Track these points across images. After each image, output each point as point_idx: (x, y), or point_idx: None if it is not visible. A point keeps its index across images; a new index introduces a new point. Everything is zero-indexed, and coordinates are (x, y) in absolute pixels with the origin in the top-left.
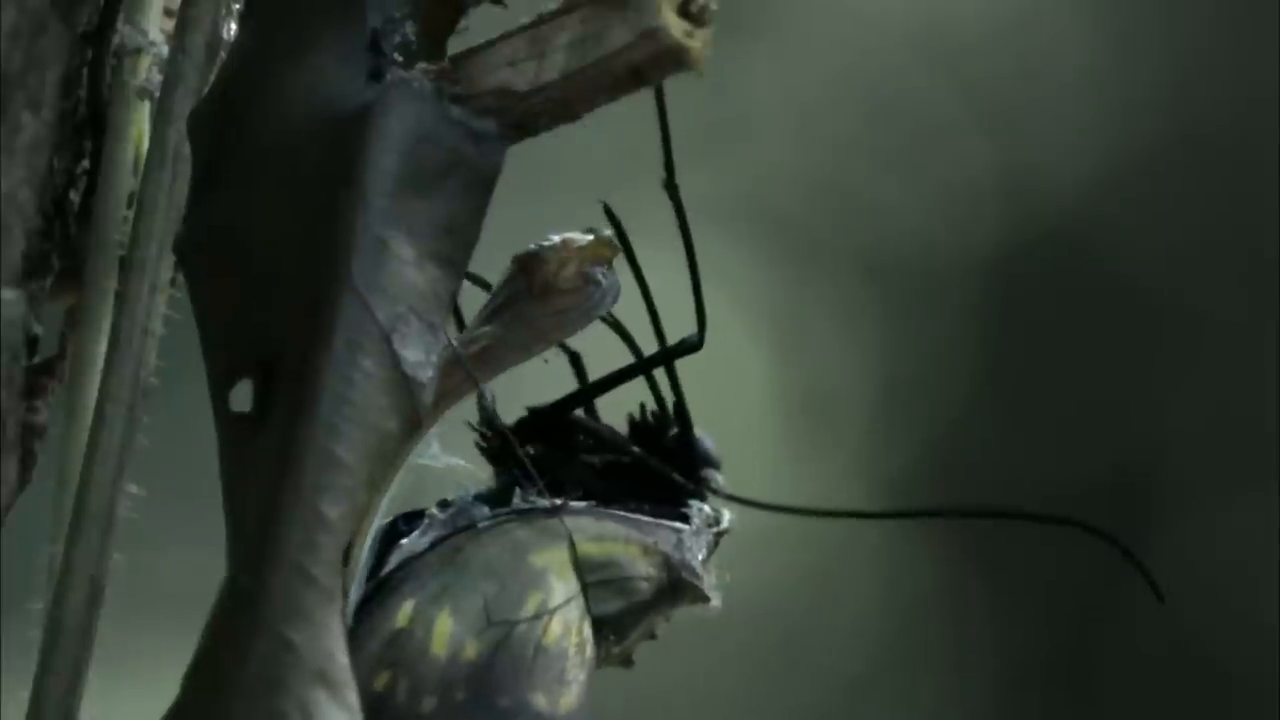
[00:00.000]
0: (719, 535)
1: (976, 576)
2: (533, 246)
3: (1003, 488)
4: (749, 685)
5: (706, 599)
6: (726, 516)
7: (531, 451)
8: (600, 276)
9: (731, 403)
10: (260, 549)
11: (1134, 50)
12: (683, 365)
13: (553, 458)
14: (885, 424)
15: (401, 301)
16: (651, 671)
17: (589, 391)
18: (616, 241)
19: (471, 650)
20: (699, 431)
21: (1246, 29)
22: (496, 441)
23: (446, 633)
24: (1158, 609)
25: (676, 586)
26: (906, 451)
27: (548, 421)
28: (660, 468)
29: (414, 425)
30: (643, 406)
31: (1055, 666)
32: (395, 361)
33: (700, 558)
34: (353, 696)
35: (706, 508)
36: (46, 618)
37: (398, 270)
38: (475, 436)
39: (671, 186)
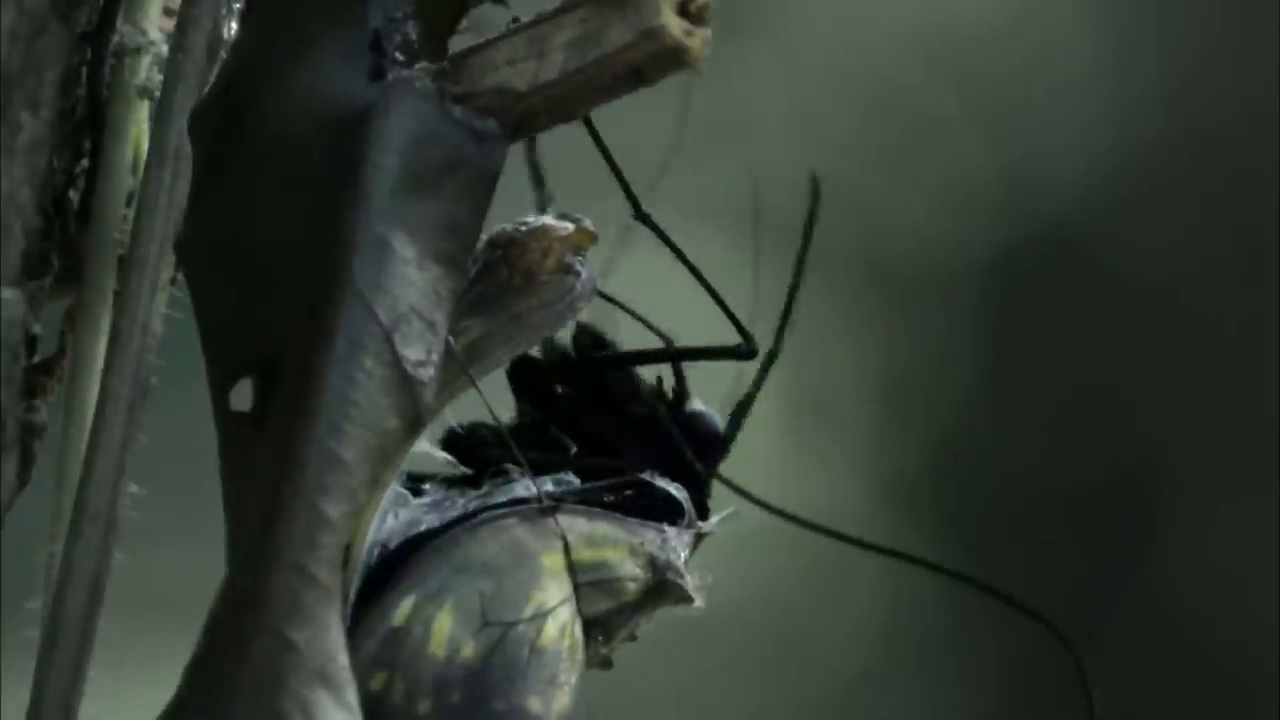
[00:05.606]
0: (699, 537)
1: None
2: (508, 228)
3: (1003, 488)
4: (749, 685)
5: (690, 599)
6: (715, 520)
7: (559, 390)
8: (578, 265)
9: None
10: (261, 548)
11: (1134, 50)
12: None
13: (577, 401)
14: (885, 424)
15: (403, 301)
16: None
17: (632, 358)
18: (594, 230)
19: (469, 650)
20: (707, 408)
21: (1246, 29)
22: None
23: (445, 632)
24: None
25: (662, 587)
26: (906, 451)
27: (588, 366)
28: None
29: (415, 424)
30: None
31: (1055, 667)
32: (397, 361)
33: (683, 558)
34: (353, 696)
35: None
36: (46, 617)
37: (400, 270)
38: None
39: (642, 216)
